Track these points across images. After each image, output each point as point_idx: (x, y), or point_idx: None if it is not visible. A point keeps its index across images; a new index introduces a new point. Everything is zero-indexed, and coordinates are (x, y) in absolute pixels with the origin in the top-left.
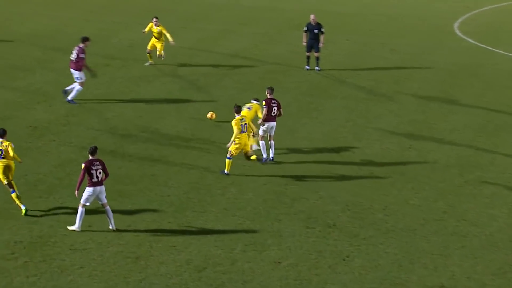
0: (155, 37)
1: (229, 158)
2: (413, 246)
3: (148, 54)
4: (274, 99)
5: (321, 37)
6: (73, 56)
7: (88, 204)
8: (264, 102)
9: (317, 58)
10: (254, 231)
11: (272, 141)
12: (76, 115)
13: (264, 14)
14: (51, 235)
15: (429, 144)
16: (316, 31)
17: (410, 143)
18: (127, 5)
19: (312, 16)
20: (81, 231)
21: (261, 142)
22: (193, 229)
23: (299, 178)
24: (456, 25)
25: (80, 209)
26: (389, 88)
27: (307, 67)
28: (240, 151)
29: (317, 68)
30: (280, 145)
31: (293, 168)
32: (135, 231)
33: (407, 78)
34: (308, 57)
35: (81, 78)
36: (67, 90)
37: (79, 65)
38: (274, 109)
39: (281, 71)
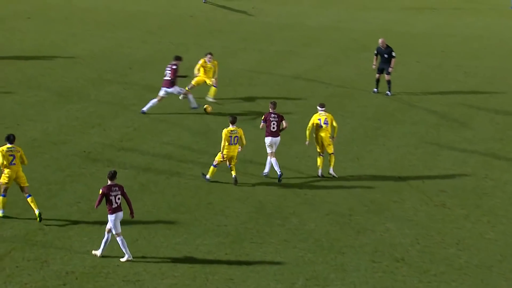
0: (204, 73)
1: (214, 166)
2: (489, 284)
3: (188, 89)
4: (274, 113)
5: (392, 61)
6: (167, 75)
7: (115, 232)
8: (262, 117)
9: (388, 82)
10: (316, 264)
11: (274, 158)
12: (131, 140)
13: (328, 34)
14: (104, 266)
15: (506, 175)
16: (386, 55)
17: (486, 173)
18: (186, 26)
19: (380, 40)
20: (134, 261)
21: (268, 158)
22: (251, 261)
23: (364, 208)
24: None
25: (106, 235)
26: (463, 113)
27: (375, 90)
28: (225, 161)
29: (388, 92)
30: (344, 172)
31: (357, 197)
32: (190, 262)
33: (483, 103)
34: (378, 80)
35: (180, 91)
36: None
37: (172, 82)
38: (274, 124)
39: (346, 94)
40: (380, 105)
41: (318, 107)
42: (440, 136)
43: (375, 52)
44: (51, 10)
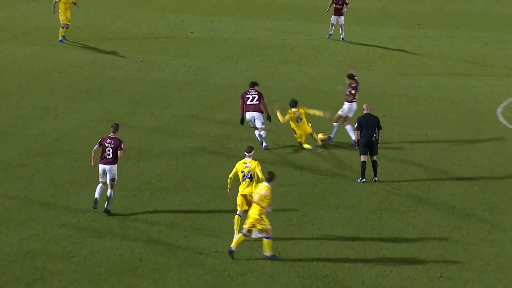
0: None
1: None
2: None
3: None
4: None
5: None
6: (252, 100)
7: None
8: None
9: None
10: None
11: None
12: None
13: (238, 94)
14: None
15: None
16: None
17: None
18: (54, 85)
19: None
20: None
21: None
22: None
23: None
24: (499, 110)
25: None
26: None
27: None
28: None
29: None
30: None
31: None
32: None
33: None
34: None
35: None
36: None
37: (259, 107)
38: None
39: None
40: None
41: (245, 152)
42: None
43: None
44: None
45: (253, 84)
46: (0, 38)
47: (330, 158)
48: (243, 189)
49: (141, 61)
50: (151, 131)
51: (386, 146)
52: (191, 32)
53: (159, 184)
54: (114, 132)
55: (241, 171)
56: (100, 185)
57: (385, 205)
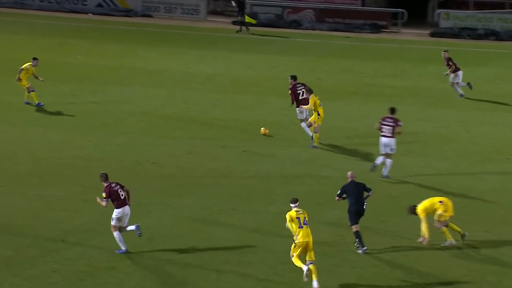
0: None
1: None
2: None
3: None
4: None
5: None
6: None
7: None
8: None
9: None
10: None
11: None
12: None
13: None
14: None
15: None
16: None
17: None
18: None
19: None
20: None
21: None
22: None
23: None
24: None
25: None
26: None
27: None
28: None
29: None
30: None
31: None
32: None
33: None
34: None
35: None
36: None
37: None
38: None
39: None
40: None
41: (291, 204)
42: None
43: None
44: None
45: (392, 111)
46: (89, 125)
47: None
48: (304, 237)
49: (244, 151)
50: (253, 231)
51: None
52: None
53: None
54: None
55: (297, 218)
56: None
57: None
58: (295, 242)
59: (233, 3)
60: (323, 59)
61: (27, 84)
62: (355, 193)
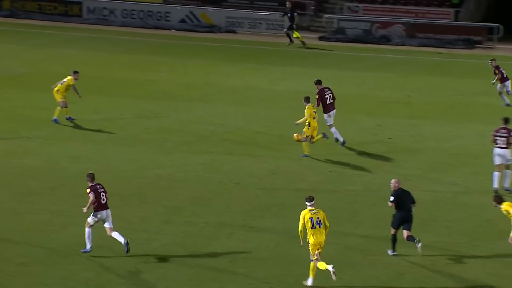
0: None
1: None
2: None
3: None
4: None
5: None
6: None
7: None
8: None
9: None
10: None
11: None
12: None
13: None
14: None
15: None
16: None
17: None
18: None
19: None
20: None
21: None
22: None
23: None
24: None
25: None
26: None
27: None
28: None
29: None
30: None
31: None
32: None
33: None
34: None
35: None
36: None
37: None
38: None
39: None
40: None
41: (306, 202)
42: None
43: None
44: None
45: (506, 121)
46: (171, 144)
47: None
48: (317, 237)
49: (330, 171)
50: (338, 255)
51: None
52: (389, 138)
53: None
54: None
55: (310, 218)
56: None
57: None
58: (309, 243)
59: (284, 16)
60: (413, 76)
61: (62, 98)
62: (404, 200)
